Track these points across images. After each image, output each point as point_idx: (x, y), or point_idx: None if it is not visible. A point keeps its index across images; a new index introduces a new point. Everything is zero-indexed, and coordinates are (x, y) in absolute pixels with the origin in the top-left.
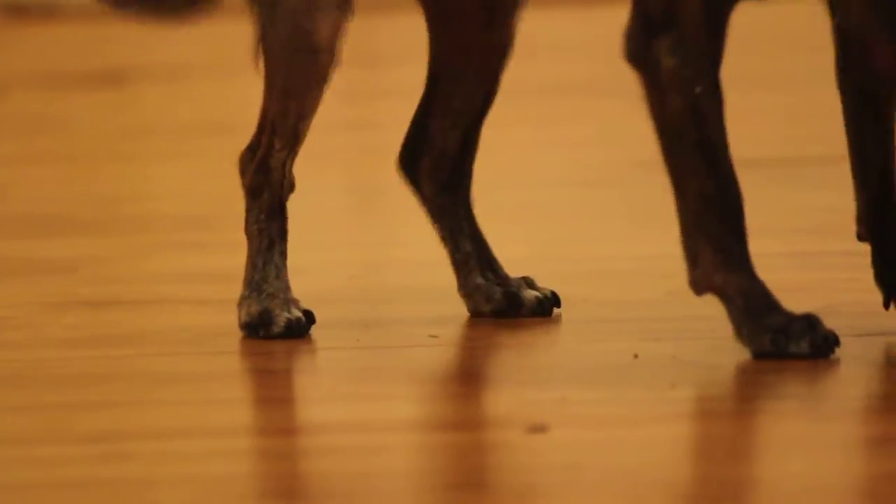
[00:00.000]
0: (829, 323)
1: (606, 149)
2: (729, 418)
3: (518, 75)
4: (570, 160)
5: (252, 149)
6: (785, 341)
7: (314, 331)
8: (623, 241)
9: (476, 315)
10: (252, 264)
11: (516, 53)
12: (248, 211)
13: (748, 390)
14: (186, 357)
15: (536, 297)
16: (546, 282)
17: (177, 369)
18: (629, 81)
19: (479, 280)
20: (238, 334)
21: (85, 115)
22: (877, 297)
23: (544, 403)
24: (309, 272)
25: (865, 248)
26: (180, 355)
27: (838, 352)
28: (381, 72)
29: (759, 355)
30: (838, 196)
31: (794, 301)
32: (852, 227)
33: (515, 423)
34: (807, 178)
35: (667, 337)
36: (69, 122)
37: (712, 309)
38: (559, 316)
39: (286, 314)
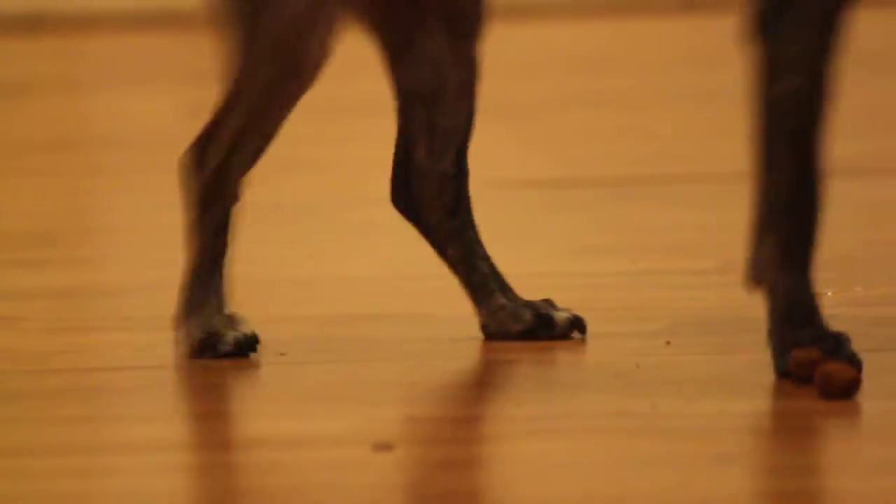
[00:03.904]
0: (675, 340)
1: None
2: (575, 436)
3: (365, 93)
4: None
5: (198, 155)
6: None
7: (151, 350)
8: None
9: (496, 337)
10: (193, 280)
11: (362, 71)
12: (194, 223)
13: (594, 408)
14: (28, 375)
15: (568, 319)
16: (391, 299)
17: (15, 387)
18: (480, 102)
19: (503, 300)
20: (80, 351)
21: None
22: (720, 314)
23: (390, 421)
24: (155, 289)
25: (708, 266)
26: (22, 373)
27: (685, 368)
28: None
29: (780, 375)
30: (683, 214)
31: (638, 319)
32: (697, 246)
33: (361, 440)
34: (651, 197)
35: (514, 355)
36: None
37: None
38: (406, 333)
39: (233, 332)
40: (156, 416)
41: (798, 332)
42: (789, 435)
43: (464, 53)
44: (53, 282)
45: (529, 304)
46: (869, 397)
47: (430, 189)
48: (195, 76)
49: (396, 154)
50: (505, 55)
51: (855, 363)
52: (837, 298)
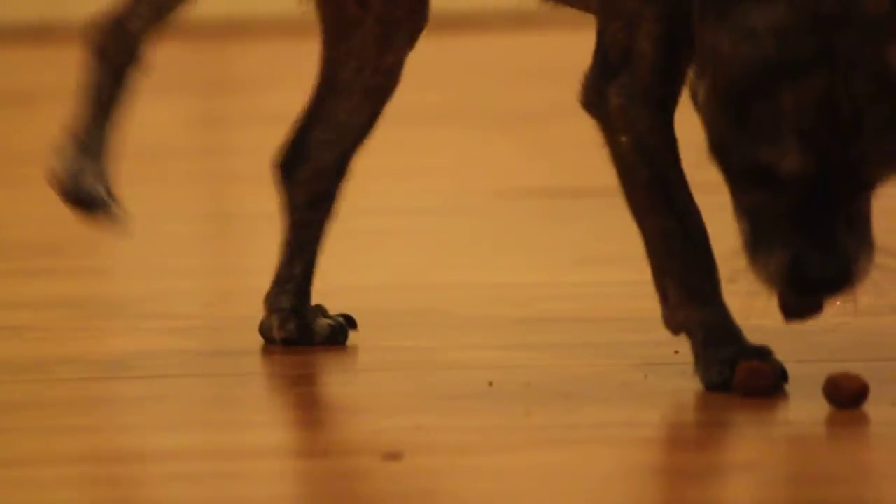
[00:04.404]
0: (683, 350)
1: (461, 178)
2: (583, 446)
3: None
4: (423, 188)
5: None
6: (731, 373)
7: (157, 359)
8: (476, 269)
9: (264, 334)
10: (81, 120)
11: None
12: (90, 70)
13: (602, 418)
14: (30, 384)
15: (329, 326)
16: (398, 308)
17: (21, 397)
18: (484, 111)
19: (287, 305)
20: (85, 361)
21: None
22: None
23: (400, 431)
24: (163, 298)
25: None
26: (25, 382)
27: (694, 377)
28: (237, 98)
29: (709, 387)
30: None
31: (645, 329)
32: None
33: (371, 450)
34: None
35: (521, 364)
36: None
37: (566, 336)
38: (414, 343)
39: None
40: (162, 426)
41: (721, 349)
42: (798, 444)
43: (386, 61)
44: (59, 291)
45: (299, 313)
46: (877, 406)
47: (307, 173)
48: (202, 86)
49: (296, 128)
50: (508, 63)
51: (778, 370)
52: (845, 307)
